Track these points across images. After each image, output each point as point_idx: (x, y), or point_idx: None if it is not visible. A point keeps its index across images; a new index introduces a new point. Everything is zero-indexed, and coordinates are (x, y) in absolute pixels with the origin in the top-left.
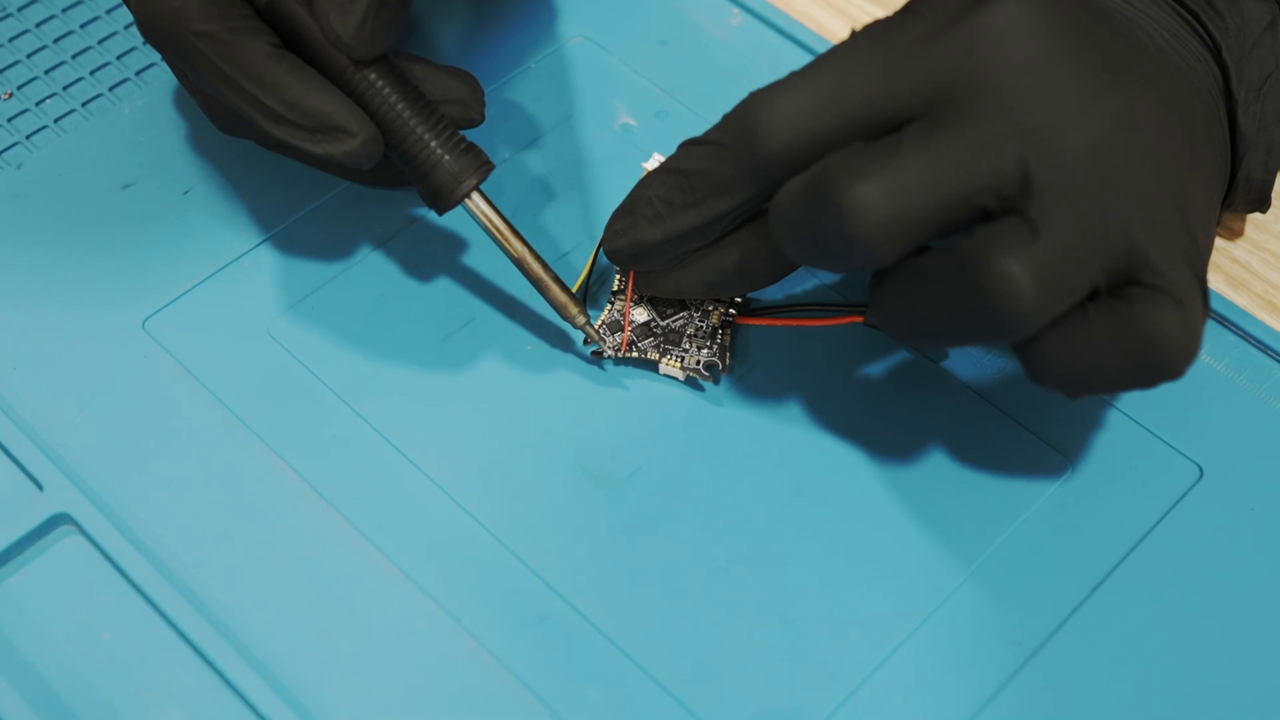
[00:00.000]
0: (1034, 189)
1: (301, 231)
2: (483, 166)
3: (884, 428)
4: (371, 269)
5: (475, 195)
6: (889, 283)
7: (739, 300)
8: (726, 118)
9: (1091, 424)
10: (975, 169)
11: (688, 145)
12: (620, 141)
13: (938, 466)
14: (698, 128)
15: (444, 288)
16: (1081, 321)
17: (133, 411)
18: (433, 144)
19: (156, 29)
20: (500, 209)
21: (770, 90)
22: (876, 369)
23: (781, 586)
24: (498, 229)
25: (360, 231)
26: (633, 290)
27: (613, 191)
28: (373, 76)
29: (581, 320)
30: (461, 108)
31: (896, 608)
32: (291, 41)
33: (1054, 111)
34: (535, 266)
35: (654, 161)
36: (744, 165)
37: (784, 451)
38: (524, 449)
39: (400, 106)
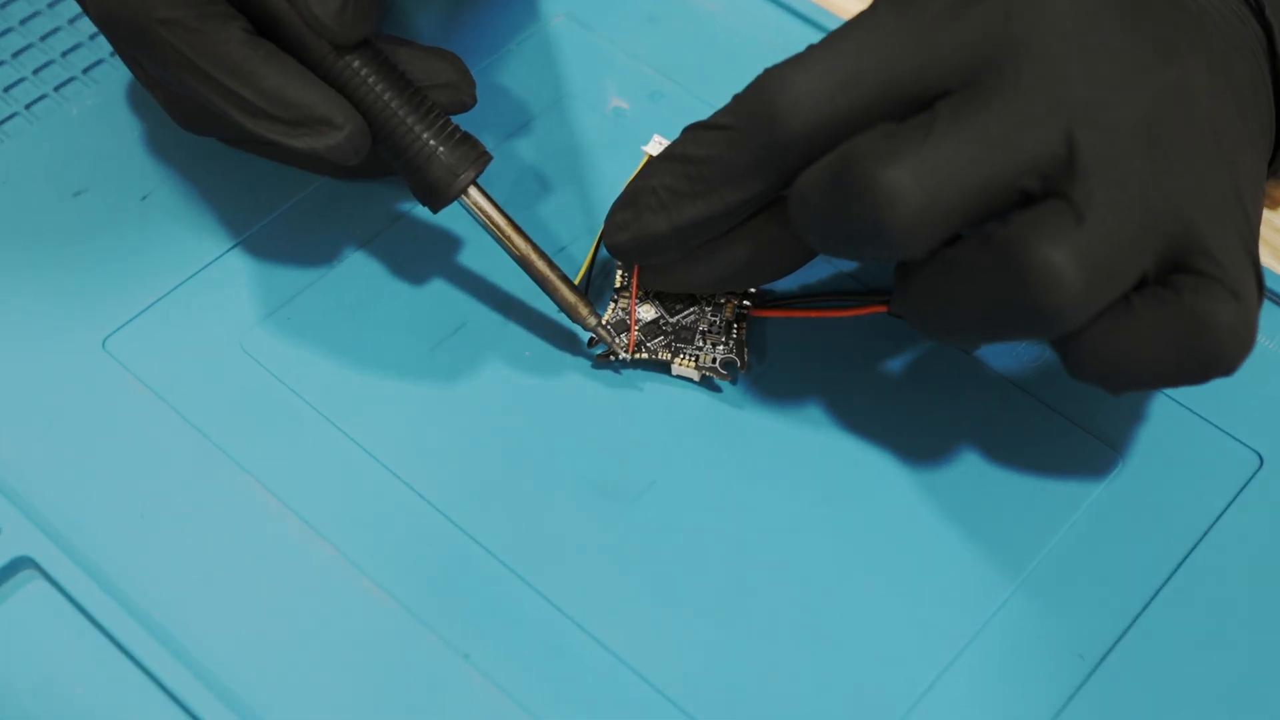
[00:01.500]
0: (1080, 169)
1: (274, 235)
2: (480, 158)
3: (916, 426)
4: (352, 273)
5: (473, 190)
6: (919, 276)
7: (753, 291)
8: (738, 99)
9: (1140, 413)
10: (1017, 148)
11: (694, 129)
12: (613, 126)
13: (976, 466)
14: (694, 109)
15: (433, 291)
16: (1127, 313)
17: (95, 440)
18: (424, 135)
19: (115, 19)
20: (498, 203)
21: (787, 67)
22: (905, 362)
23: (815, 604)
24: (498, 226)
25: (339, 233)
26: (638, 285)
27: (609, 179)
28: (356, 63)
29: (593, 322)
30: (450, 91)
31: (943, 623)
32: (266, 28)
33: (1102, 83)
34: (540, 265)
35: (655, 145)
36: (760, 150)
37: (810, 455)
38: (527, 464)
39: (388, 95)
